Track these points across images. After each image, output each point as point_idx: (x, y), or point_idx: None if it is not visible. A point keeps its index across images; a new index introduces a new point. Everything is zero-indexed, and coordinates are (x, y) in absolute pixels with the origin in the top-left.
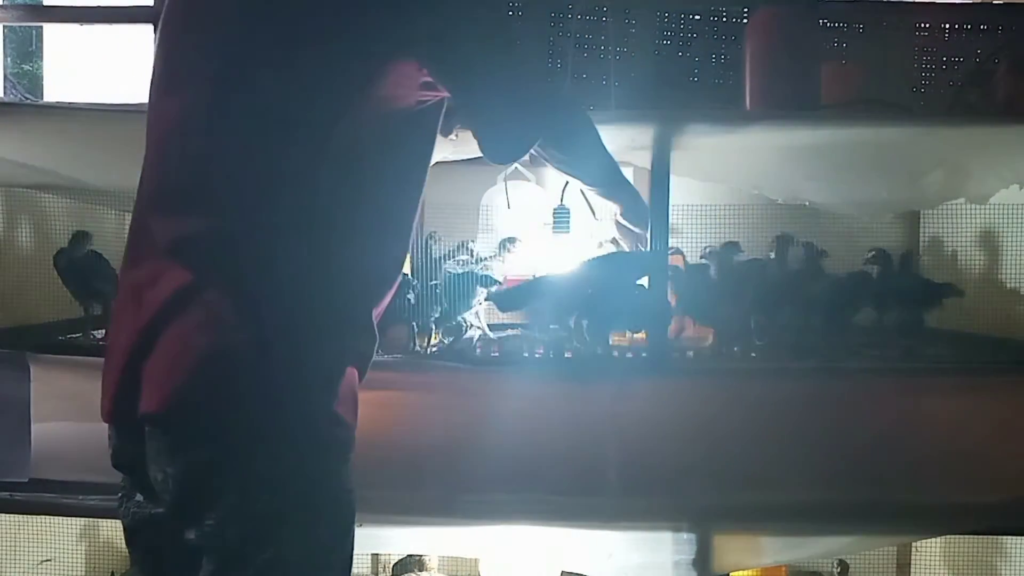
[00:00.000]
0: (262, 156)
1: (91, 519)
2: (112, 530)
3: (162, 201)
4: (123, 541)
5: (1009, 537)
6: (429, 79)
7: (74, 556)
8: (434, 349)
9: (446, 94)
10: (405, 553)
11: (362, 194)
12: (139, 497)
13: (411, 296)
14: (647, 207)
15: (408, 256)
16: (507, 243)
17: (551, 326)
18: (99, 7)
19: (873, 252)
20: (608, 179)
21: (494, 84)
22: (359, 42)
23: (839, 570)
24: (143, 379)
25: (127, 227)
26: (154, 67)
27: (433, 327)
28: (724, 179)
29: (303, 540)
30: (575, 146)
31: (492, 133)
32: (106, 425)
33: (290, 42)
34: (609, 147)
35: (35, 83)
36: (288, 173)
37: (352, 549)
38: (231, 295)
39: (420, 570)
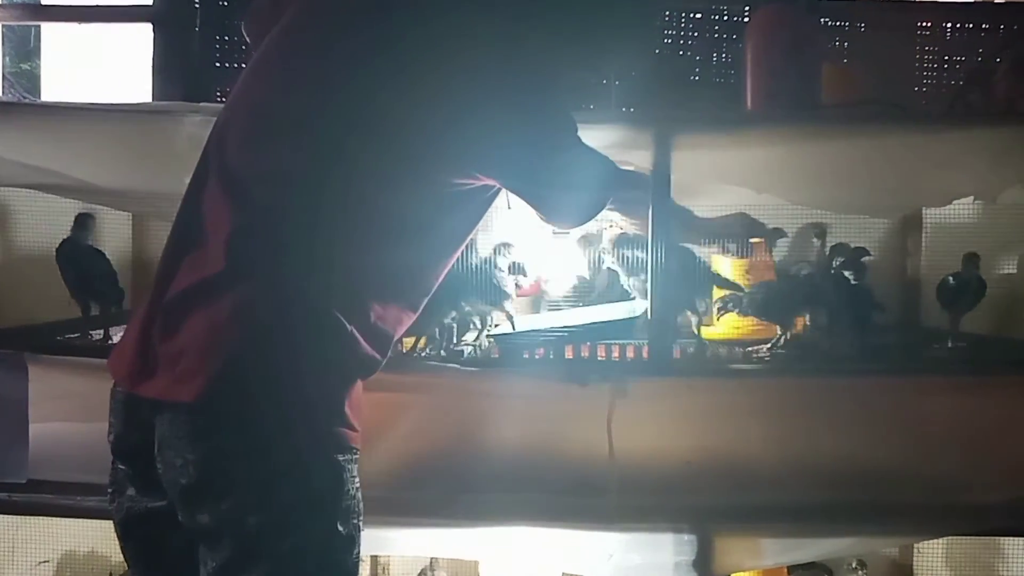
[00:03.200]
0: (333, 175)
1: (90, 520)
2: (111, 531)
3: (229, 192)
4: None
5: (1009, 537)
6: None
7: (72, 557)
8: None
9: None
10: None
11: (414, 224)
12: (131, 491)
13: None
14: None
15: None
16: (502, 248)
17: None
18: (98, 6)
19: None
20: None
21: (549, 180)
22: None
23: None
24: (161, 360)
25: (127, 227)
26: (267, 56)
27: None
28: (724, 179)
29: (321, 533)
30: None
31: (556, 216)
32: (104, 425)
33: (396, 95)
34: (609, 147)
35: (33, 82)
36: (349, 198)
37: (359, 547)
38: (265, 291)
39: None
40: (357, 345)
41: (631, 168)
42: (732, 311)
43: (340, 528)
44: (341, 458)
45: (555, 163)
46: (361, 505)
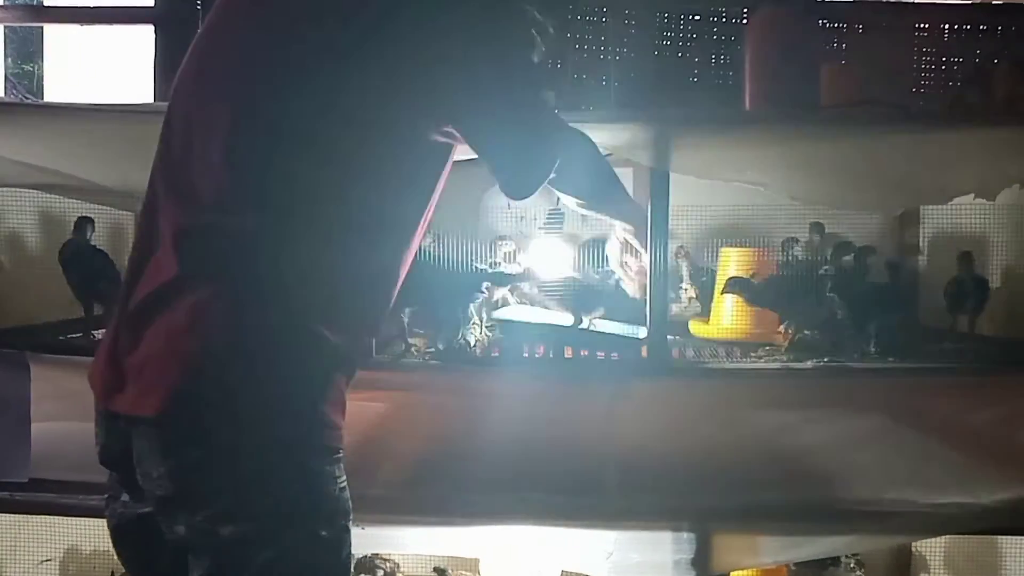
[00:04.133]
0: (283, 164)
1: (91, 518)
2: None
3: (174, 192)
4: None
5: (1009, 537)
6: (450, 130)
7: (74, 555)
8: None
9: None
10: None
11: (369, 209)
12: (125, 497)
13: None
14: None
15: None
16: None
17: None
18: (100, 7)
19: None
20: (608, 194)
21: (506, 129)
22: (396, 92)
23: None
24: (128, 374)
25: (127, 227)
26: (190, 62)
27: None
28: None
29: (301, 540)
30: (578, 167)
31: (508, 174)
32: None
33: (336, 63)
34: (609, 147)
35: (36, 83)
36: (305, 183)
37: (350, 548)
38: (220, 294)
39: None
40: (323, 342)
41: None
42: (739, 294)
43: (323, 532)
44: (316, 462)
45: (520, 115)
46: (349, 504)
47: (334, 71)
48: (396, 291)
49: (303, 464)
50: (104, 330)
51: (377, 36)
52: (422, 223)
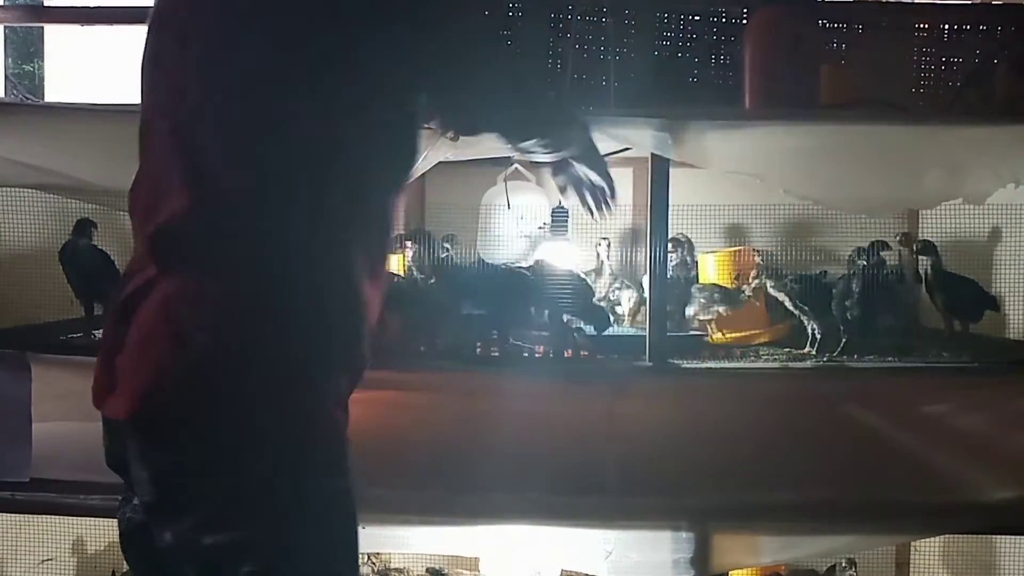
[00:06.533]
0: (254, 154)
1: (93, 518)
2: (112, 529)
3: (147, 194)
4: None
5: (1008, 537)
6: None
7: (75, 556)
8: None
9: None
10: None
11: (345, 194)
12: (135, 501)
13: None
14: (604, 161)
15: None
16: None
17: None
18: (100, 8)
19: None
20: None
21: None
22: (364, 61)
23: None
24: (117, 375)
25: (127, 227)
26: (148, 66)
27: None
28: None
29: (296, 553)
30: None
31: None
32: None
33: (291, 53)
34: (609, 147)
35: (36, 83)
36: (278, 173)
37: (357, 551)
38: (189, 287)
39: None
40: (306, 335)
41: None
42: (766, 282)
43: (322, 543)
44: (310, 468)
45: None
46: (352, 509)
47: (291, 62)
48: (376, 290)
49: (290, 473)
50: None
51: (326, 24)
52: (394, 212)
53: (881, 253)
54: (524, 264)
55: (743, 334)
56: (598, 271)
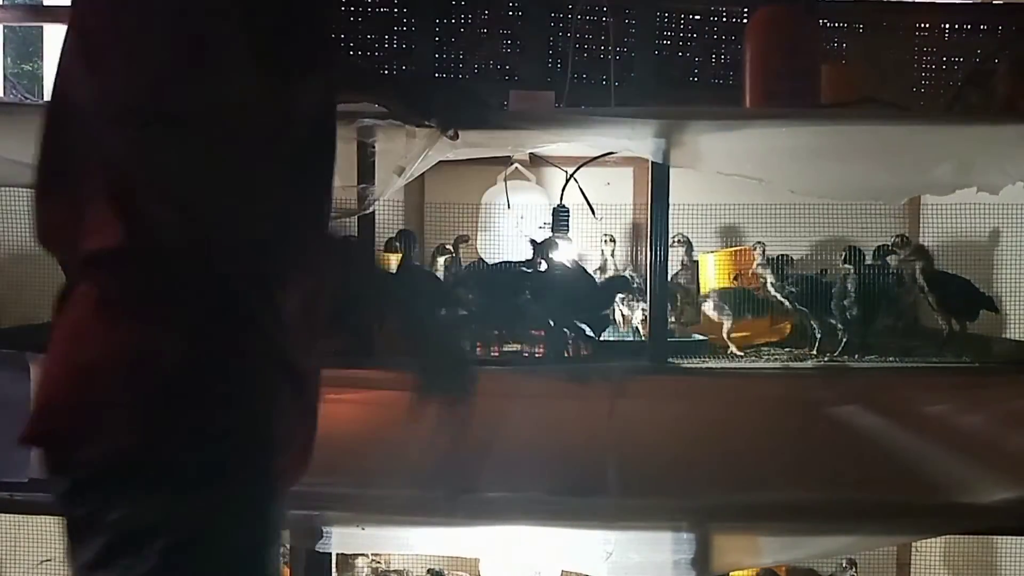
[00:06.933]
0: (184, 152)
1: None
2: None
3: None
4: None
5: (1009, 538)
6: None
7: None
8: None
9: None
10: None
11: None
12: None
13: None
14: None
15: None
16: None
17: None
18: None
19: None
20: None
21: None
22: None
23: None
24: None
25: None
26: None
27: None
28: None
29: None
30: None
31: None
32: None
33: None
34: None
35: (35, 83)
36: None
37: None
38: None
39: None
40: (219, 345)
41: (631, 168)
42: (770, 275)
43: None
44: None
45: None
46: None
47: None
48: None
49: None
50: None
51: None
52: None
53: (881, 254)
54: (529, 263)
55: (748, 335)
56: (602, 269)
